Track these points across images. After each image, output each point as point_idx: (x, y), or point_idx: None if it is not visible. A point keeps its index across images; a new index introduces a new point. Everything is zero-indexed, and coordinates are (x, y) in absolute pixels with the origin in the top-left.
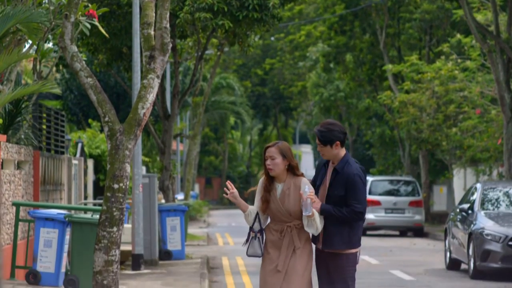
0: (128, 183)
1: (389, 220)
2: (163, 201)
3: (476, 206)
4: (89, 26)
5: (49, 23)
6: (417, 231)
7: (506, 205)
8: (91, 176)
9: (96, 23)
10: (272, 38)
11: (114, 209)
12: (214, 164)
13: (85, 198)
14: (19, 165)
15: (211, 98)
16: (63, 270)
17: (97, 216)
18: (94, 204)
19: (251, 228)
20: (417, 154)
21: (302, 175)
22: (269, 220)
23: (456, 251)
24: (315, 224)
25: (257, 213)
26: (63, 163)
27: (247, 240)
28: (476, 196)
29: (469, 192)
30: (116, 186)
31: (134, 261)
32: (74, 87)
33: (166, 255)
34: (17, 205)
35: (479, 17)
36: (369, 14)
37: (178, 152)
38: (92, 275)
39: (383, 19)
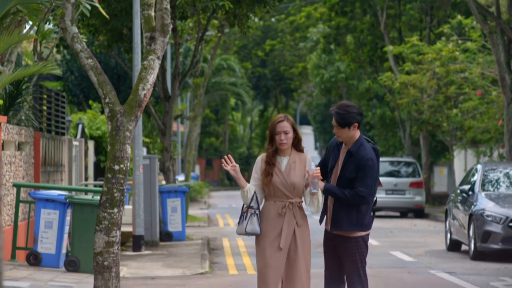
0: (128, 164)
1: (389, 201)
2: (163, 182)
3: (477, 187)
4: (89, 7)
5: (50, 4)
6: (417, 212)
7: (507, 186)
8: (91, 158)
9: (97, 4)
10: (273, 19)
11: (115, 190)
12: (215, 146)
13: (86, 179)
14: (19, 146)
15: (212, 80)
16: (63, 251)
17: (98, 198)
18: (95, 186)
19: (249, 206)
20: (418, 135)
21: (303, 151)
22: (263, 200)
23: (456, 232)
24: (316, 203)
25: (255, 191)
26: (63, 144)
27: (244, 218)
28: (477, 177)
29: (469, 173)
30: (116, 167)
31: (134, 242)
32: (74, 68)
33: (166, 236)
34: (17, 186)
35: None
36: None
37: (179, 133)
38: (92, 256)
39: (384, 0)
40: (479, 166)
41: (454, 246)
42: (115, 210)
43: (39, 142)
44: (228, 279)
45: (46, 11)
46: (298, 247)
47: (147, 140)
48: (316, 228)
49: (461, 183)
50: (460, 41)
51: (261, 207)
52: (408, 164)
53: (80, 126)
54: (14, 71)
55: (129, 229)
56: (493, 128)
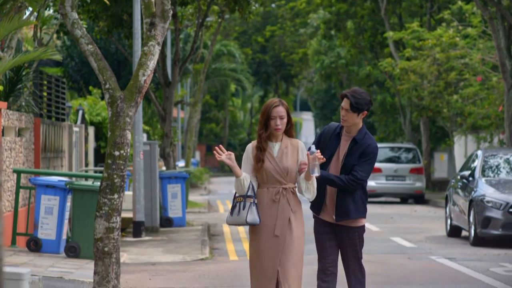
0: (129, 150)
1: (390, 187)
2: (164, 168)
3: (477, 173)
4: None
5: None
6: (418, 198)
7: (507, 172)
8: (92, 143)
9: None
10: (273, 5)
11: (115, 176)
12: (215, 132)
13: (86, 165)
14: (20, 132)
15: (212, 65)
16: (64, 237)
17: (98, 183)
18: (95, 171)
19: (247, 195)
20: (418, 121)
21: (294, 137)
22: (256, 188)
23: (456, 218)
24: (312, 189)
25: (250, 180)
26: (64, 130)
27: (241, 207)
28: (477, 163)
29: (470, 159)
30: (117, 153)
31: (135, 228)
32: (74, 54)
33: (167, 222)
34: (18, 172)
35: None
36: None
37: (179, 119)
38: (93, 242)
39: None
40: (479, 152)
41: (454, 232)
42: (116, 196)
43: (39, 128)
44: (229, 265)
45: None
46: (293, 234)
47: (147, 126)
48: (310, 214)
49: (461, 169)
50: (460, 27)
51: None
52: (408, 150)
53: (80, 112)
54: (14, 57)
55: (129, 215)
56: (494, 114)
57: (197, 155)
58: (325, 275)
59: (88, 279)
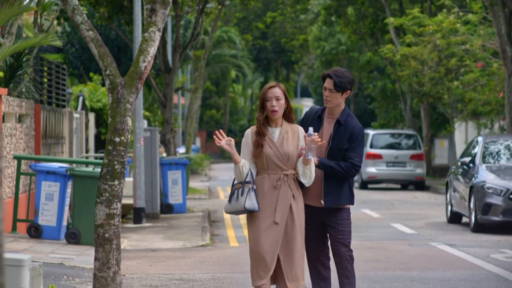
0: (129, 136)
1: (390, 173)
2: (164, 154)
3: (478, 159)
4: None
5: None
6: (418, 185)
7: (507, 158)
8: (92, 130)
9: None
10: None
11: (116, 162)
12: (216, 118)
13: (87, 151)
14: (20, 119)
15: (212, 52)
16: (64, 223)
17: (99, 170)
18: (96, 158)
19: (245, 181)
20: (419, 108)
21: (294, 122)
22: (254, 175)
23: (457, 205)
24: (309, 174)
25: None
26: (64, 116)
27: (240, 194)
28: (478, 150)
29: (470, 145)
30: (117, 139)
31: (135, 214)
32: (75, 40)
33: (167, 208)
34: (18, 158)
35: None
36: None
37: (180, 105)
38: (93, 229)
39: None
40: (480, 138)
41: (454, 218)
42: (116, 182)
43: (40, 115)
44: (229, 251)
45: None
46: (294, 221)
47: (147, 112)
48: None
49: (462, 155)
50: (461, 13)
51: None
52: (409, 136)
53: (80, 98)
54: (15, 43)
55: (130, 201)
56: (494, 100)
57: (198, 141)
58: (316, 260)
59: (88, 265)
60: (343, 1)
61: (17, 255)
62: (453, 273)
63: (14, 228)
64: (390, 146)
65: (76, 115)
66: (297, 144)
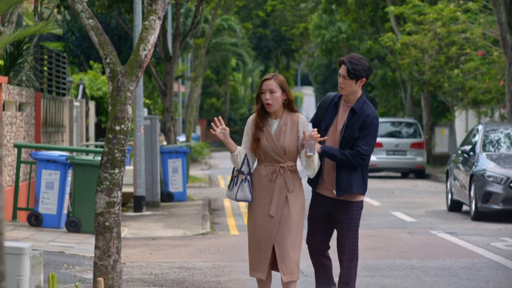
0: (129, 124)
1: (390, 161)
2: (164, 143)
3: (478, 147)
4: None
5: None
6: (418, 173)
7: (508, 146)
8: (92, 118)
9: None
10: None
11: (116, 150)
12: (216, 106)
13: (87, 140)
14: (20, 107)
15: (213, 40)
16: (65, 211)
17: (99, 158)
18: (96, 146)
19: (239, 171)
20: (419, 96)
21: (297, 111)
22: (256, 163)
23: (457, 193)
24: (313, 166)
25: (245, 155)
26: (64, 105)
27: (234, 183)
28: (478, 138)
29: (470, 133)
30: (117, 127)
31: (136, 203)
32: (75, 28)
33: (167, 197)
34: (18, 147)
35: None
36: None
37: (180, 94)
38: (93, 217)
39: None
40: (480, 127)
41: (455, 206)
42: (116, 170)
43: (40, 103)
44: (229, 240)
45: None
46: (290, 213)
47: (148, 101)
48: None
49: (462, 144)
50: (461, 1)
51: (253, 170)
52: (409, 124)
53: (81, 87)
54: (15, 31)
55: (130, 189)
56: (494, 88)
57: (198, 129)
58: (318, 253)
59: (89, 253)
60: None
61: (17, 243)
62: (453, 261)
63: (14, 217)
64: (391, 135)
65: (76, 104)
66: (296, 135)
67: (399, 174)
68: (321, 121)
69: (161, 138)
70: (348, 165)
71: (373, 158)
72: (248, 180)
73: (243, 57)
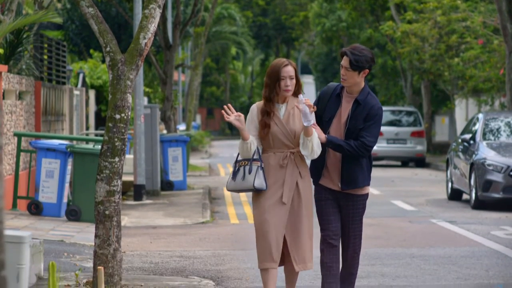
0: (129, 113)
1: (391, 150)
2: (164, 131)
3: (478, 136)
4: None
5: None
6: (419, 162)
7: (508, 135)
8: (92, 107)
9: None
10: None
11: (116, 139)
12: (216, 95)
13: (87, 128)
14: (20, 96)
15: (213, 29)
16: (65, 200)
17: (99, 147)
18: (96, 135)
19: (253, 158)
20: (419, 85)
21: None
22: (261, 152)
23: (457, 181)
24: (311, 146)
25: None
26: (64, 93)
27: (248, 171)
28: (478, 127)
29: (471, 122)
30: (117, 116)
31: (136, 191)
32: (75, 17)
33: (168, 185)
34: (18, 135)
35: None
36: None
37: (180, 82)
38: (93, 206)
39: None
40: (480, 115)
41: (455, 195)
42: (116, 159)
43: (40, 92)
44: (229, 228)
45: None
46: (301, 200)
47: (148, 89)
48: None
49: (462, 132)
50: None
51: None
52: (409, 113)
53: (81, 75)
54: (15, 20)
55: (130, 178)
56: (495, 77)
57: (198, 118)
58: (330, 245)
59: (89, 242)
60: None
61: (17, 232)
62: (453, 250)
63: (14, 205)
64: (391, 123)
65: (76, 92)
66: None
67: (399, 163)
68: (322, 112)
69: (161, 127)
70: (353, 157)
71: None
72: (262, 168)
73: (243, 46)
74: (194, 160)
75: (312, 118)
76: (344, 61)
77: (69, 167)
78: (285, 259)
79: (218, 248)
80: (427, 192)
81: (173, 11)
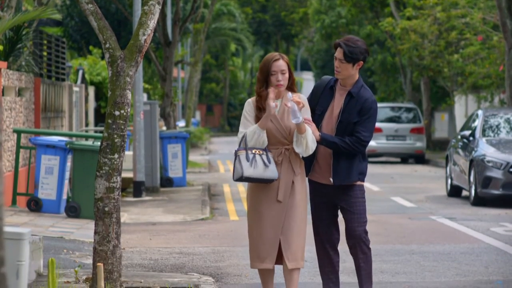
0: (129, 110)
1: (390, 147)
2: (164, 128)
3: (478, 133)
4: None
5: None
6: (418, 158)
7: (507, 131)
8: (92, 103)
9: None
10: None
11: (115, 136)
12: (215, 91)
13: (86, 125)
14: (20, 92)
15: (212, 25)
16: (64, 197)
17: (98, 143)
18: (95, 131)
19: (268, 149)
20: (419, 81)
21: (296, 91)
22: None
23: (457, 178)
24: (305, 143)
25: None
26: (64, 90)
27: (263, 160)
28: (478, 123)
29: (470, 119)
30: (117, 113)
31: (135, 188)
32: (75, 13)
33: (167, 182)
34: (18, 132)
35: None
36: None
37: (179, 79)
38: (93, 202)
39: None
40: (480, 112)
41: (454, 191)
42: (116, 155)
43: (40, 88)
44: (229, 225)
45: None
46: (295, 198)
47: (147, 86)
48: None
49: (462, 129)
50: None
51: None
52: (409, 109)
53: (80, 72)
54: (14, 16)
55: (129, 175)
56: (494, 73)
57: (198, 115)
58: (326, 247)
59: (88, 239)
60: None
61: (17, 228)
62: (453, 247)
63: (14, 202)
64: (390, 120)
65: (75, 89)
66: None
67: (398, 159)
68: (315, 105)
69: (161, 123)
70: (345, 153)
71: (372, 143)
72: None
73: (243, 42)
74: (193, 157)
75: (302, 115)
76: (338, 53)
77: (69, 164)
78: (282, 257)
79: (217, 245)
80: (427, 188)
81: (173, 8)
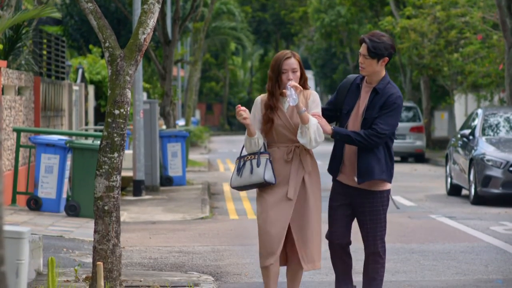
0: (129, 108)
1: None
2: (164, 127)
3: (477, 131)
4: None
5: None
6: (418, 157)
7: (507, 130)
8: (91, 102)
9: None
10: None
11: (115, 135)
12: (215, 90)
13: (86, 124)
14: (19, 91)
15: (212, 24)
16: (64, 196)
17: (98, 142)
18: (95, 130)
19: (260, 152)
20: (418, 80)
21: (308, 88)
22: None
23: (457, 177)
24: (309, 134)
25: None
26: (63, 89)
27: (257, 165)
28: (477, 122)
29: (470, 117)
30: (117, 112)
31: (135, 187)
32: (74, 12)
33: (167, 181)
34: (18, 131)
35: None
36: None
37: (179, 78)
38: (93, 201)
39: None
40: (479, 111)
41: (454, 190)
42: (116, 154)
43: (39, 87)
44: (229, 224)
45: None
46: (308, 197)
47: (147, 85)
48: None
49: (462, 128)
50: None
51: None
52: (408, 108)
53: (80, 71)
54: (14, 15)
55: (129, 174)
56: (494, 72)
57: (197, 114)
58: (338, 249)
59: (88, 238)
60: None
61: (16, 227)
62: (452, 245)
63: (13, 201)
64: None
65: (75, 88)
66: (308, 111)
67: (398, 158)
68: (341, 105)
69: (161, 122)
70: (368, 148)
71: None
72: (271, 161)
73: (242, 41)
74: (193, 156)
75: (298, 97)
76: (362, 49)
77: (68, 163)
78: (288, 259)
79: (217, 244)
80: (427, 187)
81: (172, 7)
